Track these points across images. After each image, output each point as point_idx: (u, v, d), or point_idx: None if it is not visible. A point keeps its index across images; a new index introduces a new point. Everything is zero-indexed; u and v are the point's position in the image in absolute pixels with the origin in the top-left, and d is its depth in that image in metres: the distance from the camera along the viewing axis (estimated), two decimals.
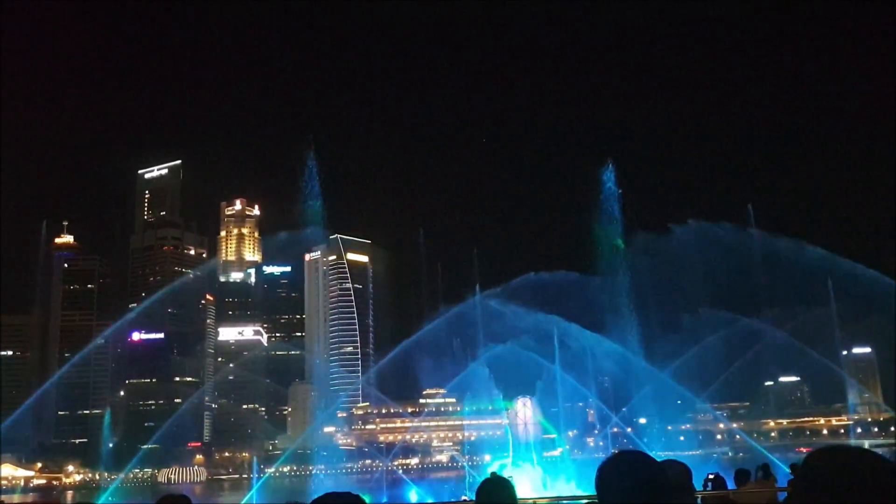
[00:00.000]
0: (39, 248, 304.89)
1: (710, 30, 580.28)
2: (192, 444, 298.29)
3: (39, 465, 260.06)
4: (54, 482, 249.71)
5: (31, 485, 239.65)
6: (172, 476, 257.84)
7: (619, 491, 4.30)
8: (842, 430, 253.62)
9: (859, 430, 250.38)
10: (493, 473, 41.96)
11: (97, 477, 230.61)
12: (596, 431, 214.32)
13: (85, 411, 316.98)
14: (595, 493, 4.45)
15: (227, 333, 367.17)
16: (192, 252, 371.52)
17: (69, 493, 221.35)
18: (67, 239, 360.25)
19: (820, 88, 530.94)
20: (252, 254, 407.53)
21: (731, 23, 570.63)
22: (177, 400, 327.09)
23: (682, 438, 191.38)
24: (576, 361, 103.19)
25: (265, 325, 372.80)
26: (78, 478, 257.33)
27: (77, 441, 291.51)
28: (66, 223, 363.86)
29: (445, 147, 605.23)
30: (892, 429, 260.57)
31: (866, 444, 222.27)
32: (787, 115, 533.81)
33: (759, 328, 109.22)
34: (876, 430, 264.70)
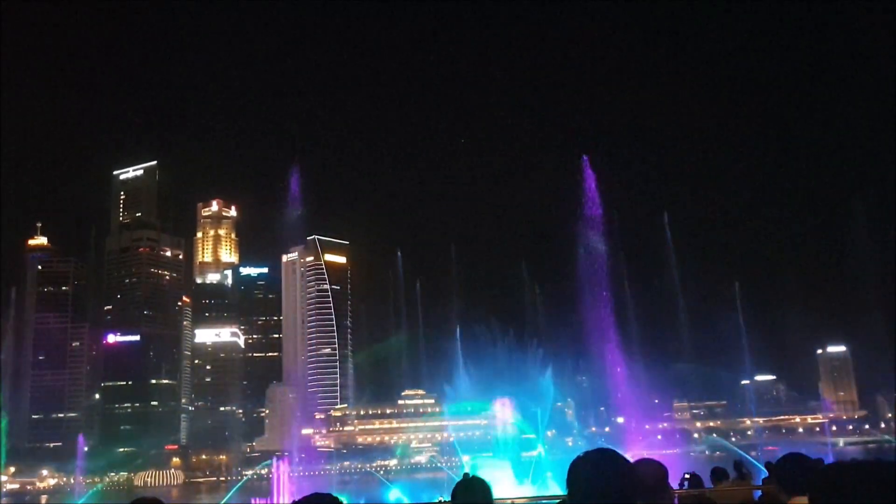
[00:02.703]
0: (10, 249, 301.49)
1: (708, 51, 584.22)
2: (169, 447, 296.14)
3: (13, 469, 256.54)
4: (28, 487, 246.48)
5: (5, 489, 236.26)
6: (149, 479, 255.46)
7: (589, 489, 4.37)
8: (817, 429, 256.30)
9: (834, 427, 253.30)
10: (465, 473, 41.62)
11: (72, 481, 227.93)
12: (574, 431, 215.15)
13: (60, 414, 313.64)
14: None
15: (204, 335, 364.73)
16: (169, 254, 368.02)
17: (43, 498, 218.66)
18: (41, 240, 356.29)
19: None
20: (229, 255, 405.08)
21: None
22: (153, 402, 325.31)
23: (659, 437, 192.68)
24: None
25: (242, 327, 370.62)
26: (52, 482, 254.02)
27: (51, 445, 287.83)
28: (39, 224, 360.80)
29: (426, 148, 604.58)
30: (867, 426, 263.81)
31: (841, 441, 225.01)
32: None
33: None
34: (850, 427, 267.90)
